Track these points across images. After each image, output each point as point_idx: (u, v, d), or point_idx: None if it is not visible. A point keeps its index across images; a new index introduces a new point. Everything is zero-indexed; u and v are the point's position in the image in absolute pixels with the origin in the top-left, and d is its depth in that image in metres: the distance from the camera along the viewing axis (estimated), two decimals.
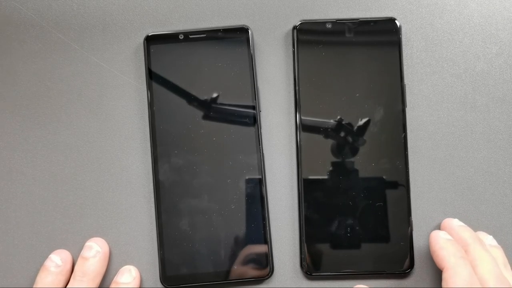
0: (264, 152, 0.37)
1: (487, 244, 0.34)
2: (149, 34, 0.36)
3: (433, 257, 0.33)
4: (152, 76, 0.36)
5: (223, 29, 0.36)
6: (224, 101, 0.36)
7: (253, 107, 0.36)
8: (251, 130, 0.36)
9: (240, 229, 0.35)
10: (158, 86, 0.36)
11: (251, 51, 0.36)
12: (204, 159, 0.35)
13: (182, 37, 0.36)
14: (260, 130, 0.36)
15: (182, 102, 0.36)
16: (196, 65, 0.36)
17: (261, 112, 0.36)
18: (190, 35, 0.36)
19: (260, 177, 0.35)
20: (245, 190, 0.35)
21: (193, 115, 0.36)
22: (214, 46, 0.36)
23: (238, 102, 0.36)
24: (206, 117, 0.36)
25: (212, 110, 0.36)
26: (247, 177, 0.35)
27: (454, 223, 0.35)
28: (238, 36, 0.36)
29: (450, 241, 0.33)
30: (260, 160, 0.35)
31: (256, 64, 0.37)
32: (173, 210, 0.35)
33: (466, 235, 0.34)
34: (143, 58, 0.37)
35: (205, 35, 0.36)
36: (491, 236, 0.35)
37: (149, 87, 0.36)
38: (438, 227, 0.36)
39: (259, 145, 0.35)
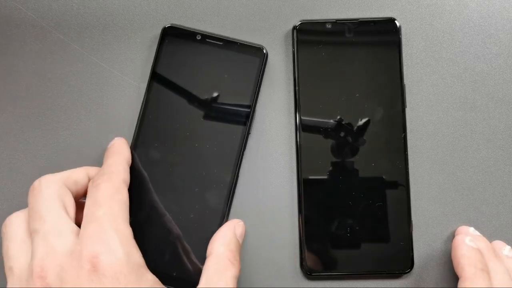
0: (264, 152, 0.37)
1: (503, 255, 0.34)
2: (168, 26, 0.36)
3: (453, 262, 0.33)
4: (157, 67, 0.36)
5: (240, 43, 0.36)
6: (217, 113, 0.35)
7: (244, 129, 0.35)
8: (235, 149, 0.35)
9: (190, 239, 0.34)
10: (161, 76, 0.36)
11: (260, 75, 0.36)
12: (180, 162, 0.35)
13: (200, 37, 0.36)
14: (243, 151, 0.35)
15: (178, 99, 0.35)
16: (202, 69, 0.36)
17: (250, 135, 0.36)
18: (208, 38, 0.36)
19: (227, 194, 0.35)
20: (209, 203, 0.35)
21: (183, 115, 0.35)
22: (226, 56, 0.36)
23: (230, 119, 0.35)
24: (194, 122, 0.35)
25: (203, 116, 0.35)
26: (214, 192, 0.35)
27: (470, 231, 0.35)
28: (253, 54, 0.36)
29: (474, 250, 0.32)
30: (232, 179, 0.35)
31: None
32: (135, 201, 0.34)
33: (481, 245, 0.33)
34: (145, 56, 0.37)
35: (221, 43, 0.36)
36: (509, 247, 0.35)
37: (153, 75, 0.36)
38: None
39: (237, 166, 0.35)
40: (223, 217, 0.35)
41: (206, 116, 0.35)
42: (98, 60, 0.38)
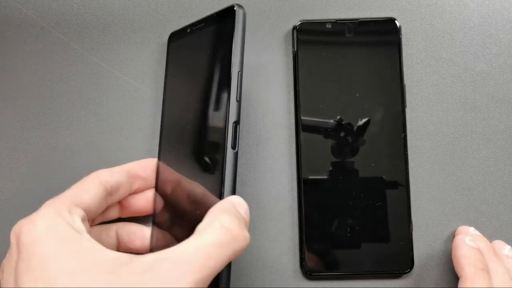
0: (264, 152, 0.37)
1: (503, 255, 0.34)
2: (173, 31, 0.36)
3: (453, 262, 0.33)
4: (168, 67, 0.36)
5: (215, 14, 0.33)
6: (205, 86, 0.33)
7: (228, 92, 0.30)
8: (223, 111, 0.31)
9: None
10: (173, 77, 0.35)
11: (235, 31, 0.31)
12: (182, 156, 0.33)
13: (189, 30, 0.35)
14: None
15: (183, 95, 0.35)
16: (195, 57, 0.34)
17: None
18: (193, 26, 0.35)
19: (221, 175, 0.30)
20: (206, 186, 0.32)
21: (184, 109, 0.34)
22: (212, 32, 0.33)
23: (218, 88, 0.32)
24: (186, 117, 0.34)
25: (191, 115, 0.33)
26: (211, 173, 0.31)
27: (470, 231, 0.35)
28: (227, 18, 0.32)
29: (474, 250, 0.33)
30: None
31: (256, 64, 0.37)
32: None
33: (481, 245, 0.33)
34: (145, 56, 0.37)
35: (203, 24, 0.34)
36: (509, 246, 0.35)
37: (167, 74, 0.36)
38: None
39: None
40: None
41: (195, 114, 0.33)
42: (98, 60, 0.38)
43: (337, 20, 0.37)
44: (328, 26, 0.37)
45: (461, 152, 0.37)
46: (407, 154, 0.36)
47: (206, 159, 0.31)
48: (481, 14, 0.38)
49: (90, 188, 0.30)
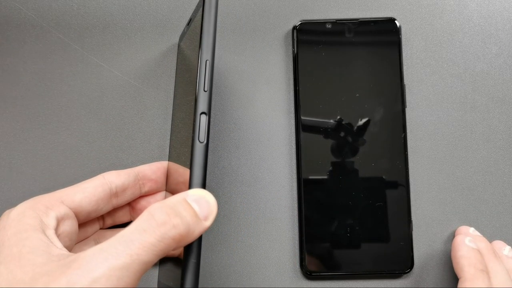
0: (264, 152, 0.37)
1: (503, 255, 0.34)
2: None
3: (453, 263, 0.33)
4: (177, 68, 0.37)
5: (196, 6, 0.32)
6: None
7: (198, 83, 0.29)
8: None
9: None
10: (178, 76, 0.36)
11: (206, 24, 0.30)
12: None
13: (185, 29, 0.36)
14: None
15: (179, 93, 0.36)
16: (187, 54, 0.35)
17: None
18: (188, 24, 0.35)
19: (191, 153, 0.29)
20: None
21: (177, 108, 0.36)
22: (194, 27, 0.33)
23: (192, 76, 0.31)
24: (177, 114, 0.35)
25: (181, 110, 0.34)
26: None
27: (470, 232, 0.35)
28: (201, 7, 0.31)
29: (474, 251, 0.33)
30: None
31: (257, 64, 0.37)
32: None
33: (481, 246, 0.33)
34: (145, 56, 0.37)
35: (191, 19, 0.34)
36: (509, 247, 0.35)
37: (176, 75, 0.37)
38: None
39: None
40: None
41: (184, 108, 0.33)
42: (98, 60, 0.38)
43: (337, 20, 0.37)
44: (328, 26, 0.37)
45: (461, 152, 0.37)
46: (407, 154, 0.36)
47: (185, 154, 0.31)
48: (481, 14, 0.38)
49: (88, 188, 0.30)
